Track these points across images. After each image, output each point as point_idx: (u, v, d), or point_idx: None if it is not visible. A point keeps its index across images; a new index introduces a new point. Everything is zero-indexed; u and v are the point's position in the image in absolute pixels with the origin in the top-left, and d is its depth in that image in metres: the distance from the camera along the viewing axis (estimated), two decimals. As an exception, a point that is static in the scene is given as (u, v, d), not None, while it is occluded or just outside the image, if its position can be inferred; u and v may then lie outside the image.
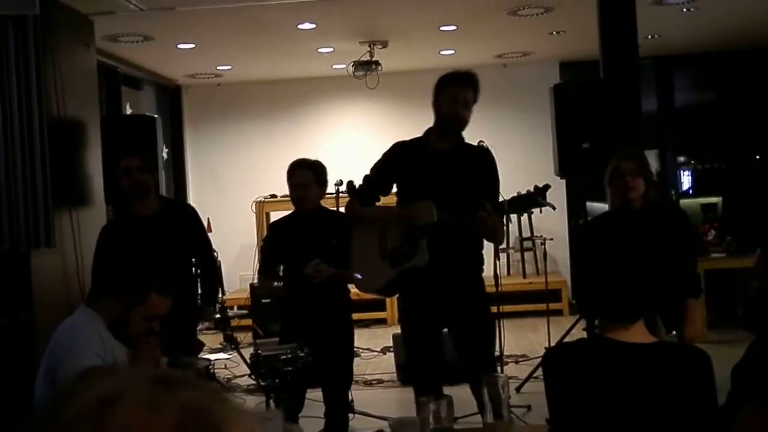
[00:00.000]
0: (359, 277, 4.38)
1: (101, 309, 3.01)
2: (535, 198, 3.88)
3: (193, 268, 5.04)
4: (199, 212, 5.19)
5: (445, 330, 4.32)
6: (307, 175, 4.66)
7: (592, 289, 2.24)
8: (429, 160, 4.17)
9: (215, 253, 5.83)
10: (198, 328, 5.67)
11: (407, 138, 4.43)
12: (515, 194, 4.00)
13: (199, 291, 5.19)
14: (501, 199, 4.13)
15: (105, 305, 2.99)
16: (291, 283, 4.72)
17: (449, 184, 4.08)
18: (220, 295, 6.01)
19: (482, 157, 4.20)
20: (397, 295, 4.44)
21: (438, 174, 4.12)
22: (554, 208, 4.06)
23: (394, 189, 4.40)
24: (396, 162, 4.30)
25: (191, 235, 4.86)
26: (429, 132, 4.30)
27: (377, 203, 4.43)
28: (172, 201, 5.27)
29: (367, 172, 4.43)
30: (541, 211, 4.07)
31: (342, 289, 4.70)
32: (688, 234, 4.32)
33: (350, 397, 5.94)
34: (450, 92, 4.15)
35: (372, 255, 4.21)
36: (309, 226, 4.67)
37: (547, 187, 3.95)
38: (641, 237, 2.25)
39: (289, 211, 4.91)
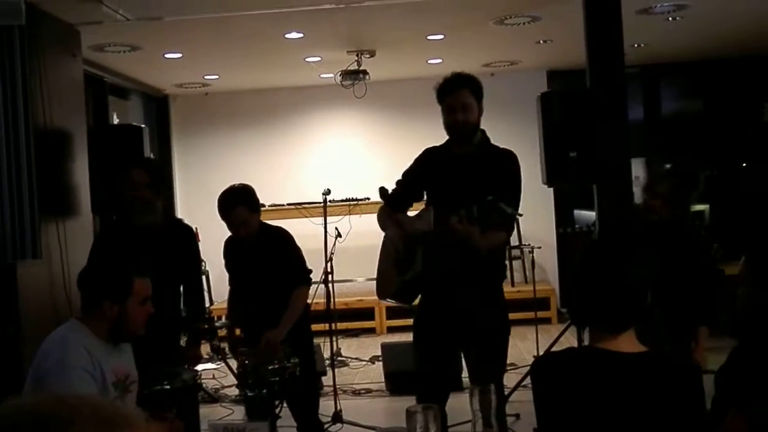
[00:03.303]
0: (377, 284, 4.37)
1: (94, 319, 3.02)
2: (496, 203, 3.69)
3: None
4: (187, 221, 5.17)
5: None
6: (242, 212, 4.58)
7: (583, 298, 2.24)
8: (450, 165, 4.14)
9: (204, 263, 5.80)
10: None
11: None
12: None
13: (183, 314, 5.15)
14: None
15: (99, 314, 3.00)
16: (241, 302, 4.81)
17: (469, 189, 3.99)
18: (205, 316, 5.96)
19: (504, 159, 4.14)
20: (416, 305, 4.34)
21: (458, 178, 4.08)
22: (521, 215, 3.97)
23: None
24: (422, 168, 4.28)
25: (185, 255, 4.79)
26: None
27: (410, 208, 4.39)
28: (174, 218, 5.24)
29: (398, 178, 4.42)
30: (508, 217, 3.95)
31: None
32: (702, 259, 4.28)
33: (338, 407, 5.94)
34: (446, 103, 4.11)
35: (388, 263, 4.24)
36: (251, 247, 4.69)
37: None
38: (631, 246, 2.25)
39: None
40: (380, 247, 4.43)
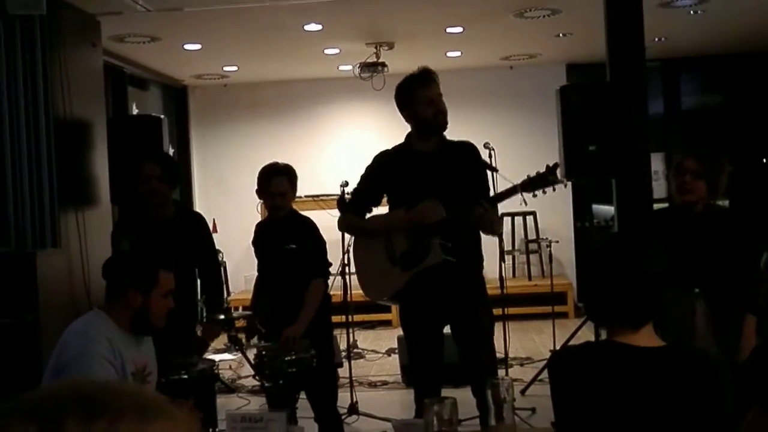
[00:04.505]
0: (369, 286, 4.37)
1: (117, 309, 3.04)
2: (547, 177, 3.95)
3: (198, 278, 5.01)
4: (204, 212, 5.21)
5: (447, 330, 4.32)
6: (284, 182, 4.66)
7: (600, 293, 2.23)
8: (415, 163, 4.18)
9: (221, 254, 5.82)
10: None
11: None
12: (525, 177, 4.03)
13: (201, 300, 5.19)
14: (492, 188, 4.31)
15: (123, 303, 3.03)
16: (264, 288, 4.83)
17: (439, 184, 4.09)
18: (224, 301, 6.01)
19: (466, 151, 4.23)
20: None
21: (426, 176, 4.13)
22: (565, 185, 4.08)
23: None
24: (382, 172, 4.31)
25: (200, 243, 4.85)
26: (410, 137, 4.30)
27: (369, 214, 4.42)
28: (185, 208, 5.28)
29: (355, 186, 4.45)
30: (554, 189, 4.03)
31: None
32: (746, 247, 4.21)
33: (354, 399, 5.95)
34: (422, 95, 4.15)
35: (380, 262, 4.21)
36: (279, 232, 4.71)
37: (556, 165, 4.06)
38: (646, 239, 2.24)
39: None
40: (352, 251, 4.46)
